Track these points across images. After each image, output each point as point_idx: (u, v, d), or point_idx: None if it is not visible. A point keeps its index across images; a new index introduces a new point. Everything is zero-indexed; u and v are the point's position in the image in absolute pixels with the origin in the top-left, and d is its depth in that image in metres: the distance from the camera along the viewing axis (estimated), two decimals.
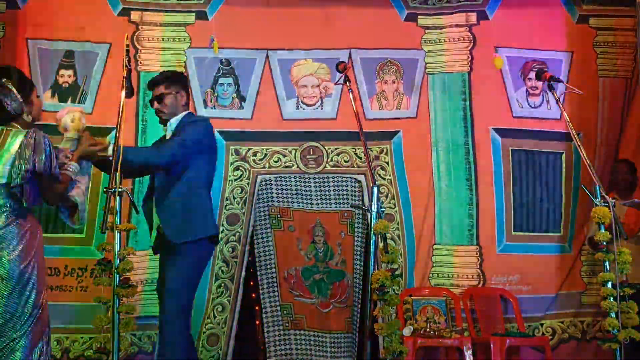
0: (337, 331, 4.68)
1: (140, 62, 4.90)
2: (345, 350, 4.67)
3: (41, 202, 3.01)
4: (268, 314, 4.67)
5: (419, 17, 5.09)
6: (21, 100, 2.97)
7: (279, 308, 4.69)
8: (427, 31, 5.08)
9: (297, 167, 4.89)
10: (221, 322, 4.64)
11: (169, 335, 3.32)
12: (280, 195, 4.86)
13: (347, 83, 3.88)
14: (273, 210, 4.84)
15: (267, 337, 4.63)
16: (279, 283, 4.74)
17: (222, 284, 4.69)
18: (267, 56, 5.00)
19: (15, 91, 2.95)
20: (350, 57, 5.01)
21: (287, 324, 4.65)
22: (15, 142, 2.87)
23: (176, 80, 3.64)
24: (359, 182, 4.89)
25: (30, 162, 2.82)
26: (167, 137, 3.60)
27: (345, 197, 4.85)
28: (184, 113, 3.60)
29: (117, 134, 3.36)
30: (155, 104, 3.58)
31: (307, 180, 4.87)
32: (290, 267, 4.77)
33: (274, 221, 4.83)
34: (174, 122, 3.57)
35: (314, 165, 4.89)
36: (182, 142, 3.43)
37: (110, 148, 3.23)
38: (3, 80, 2.94)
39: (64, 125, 3.26)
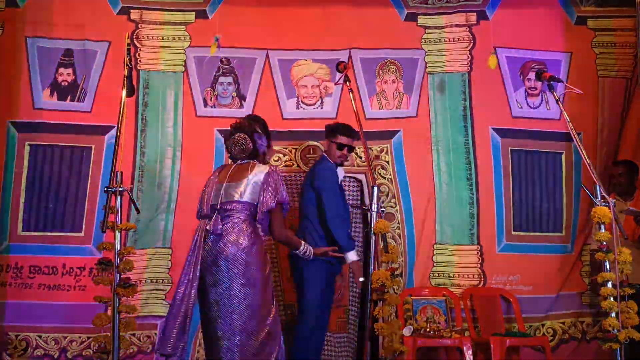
0: (336, 332, 4.66)
1: (140, 61, 4.88)
2: (344, 351, 4.66)
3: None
4: None
5: (419, 16, 5.08)
6: (267, 144, 3.55)
7: (282, 307, 4.67)
8: (427, 31, 5.08)
9: (297, 166, 4.88)
10: None
11: None
12: None
13: (347, 83, 3.87)
14: None
15: None
16: (282, 283, 4.72)
17: None
18: (267, 56, 4.99)
19: (265, 137, 3.54)
20: (350, 57, 5.00)
21: (292, 324, 4.60)
22: (260, 173, 3.37)
23: None
24: (360, 181, 4.88)
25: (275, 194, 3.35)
26: None
27: (345, 196, 4.82)
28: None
29: (118, 133, 3.40)
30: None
31: None
32: None
33: None
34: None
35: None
36: None
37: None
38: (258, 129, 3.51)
39: None
